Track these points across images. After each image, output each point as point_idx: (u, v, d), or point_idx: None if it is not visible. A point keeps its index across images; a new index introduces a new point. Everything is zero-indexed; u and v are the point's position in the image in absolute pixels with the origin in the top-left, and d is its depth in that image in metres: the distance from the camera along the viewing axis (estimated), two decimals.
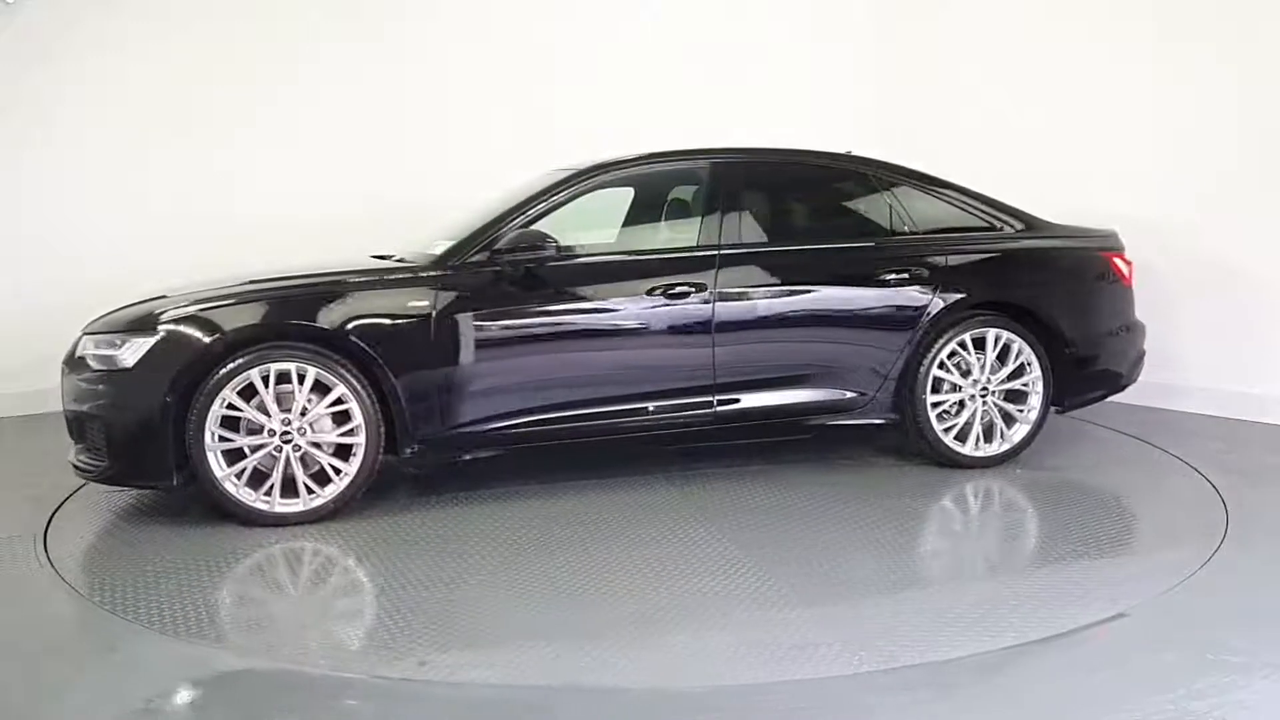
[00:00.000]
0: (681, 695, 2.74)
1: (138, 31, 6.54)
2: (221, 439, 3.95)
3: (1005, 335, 4.69)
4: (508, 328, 4.29)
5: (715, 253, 4.51)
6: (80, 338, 4.23)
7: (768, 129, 5.32)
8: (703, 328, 4.43)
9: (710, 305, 4.42)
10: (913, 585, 3.52)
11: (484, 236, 4.33)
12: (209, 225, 6.60)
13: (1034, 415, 4.75)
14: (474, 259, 4.29)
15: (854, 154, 5.04)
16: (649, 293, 4.39)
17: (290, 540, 3.97)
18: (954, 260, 4.76)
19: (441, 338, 4.16)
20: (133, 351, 3.97)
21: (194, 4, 6.67)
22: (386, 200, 6.56)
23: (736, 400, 4.52)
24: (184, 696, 2.85)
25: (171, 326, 4.00)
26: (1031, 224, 4.96)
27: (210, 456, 3.94)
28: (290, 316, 4.09)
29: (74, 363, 4.15)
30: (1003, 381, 4.71)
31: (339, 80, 6.88)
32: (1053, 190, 5.72)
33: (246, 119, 6.74)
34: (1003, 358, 4.71)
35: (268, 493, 4.02)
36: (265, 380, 3.98)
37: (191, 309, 4.05)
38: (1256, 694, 2.65)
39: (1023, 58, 6.53)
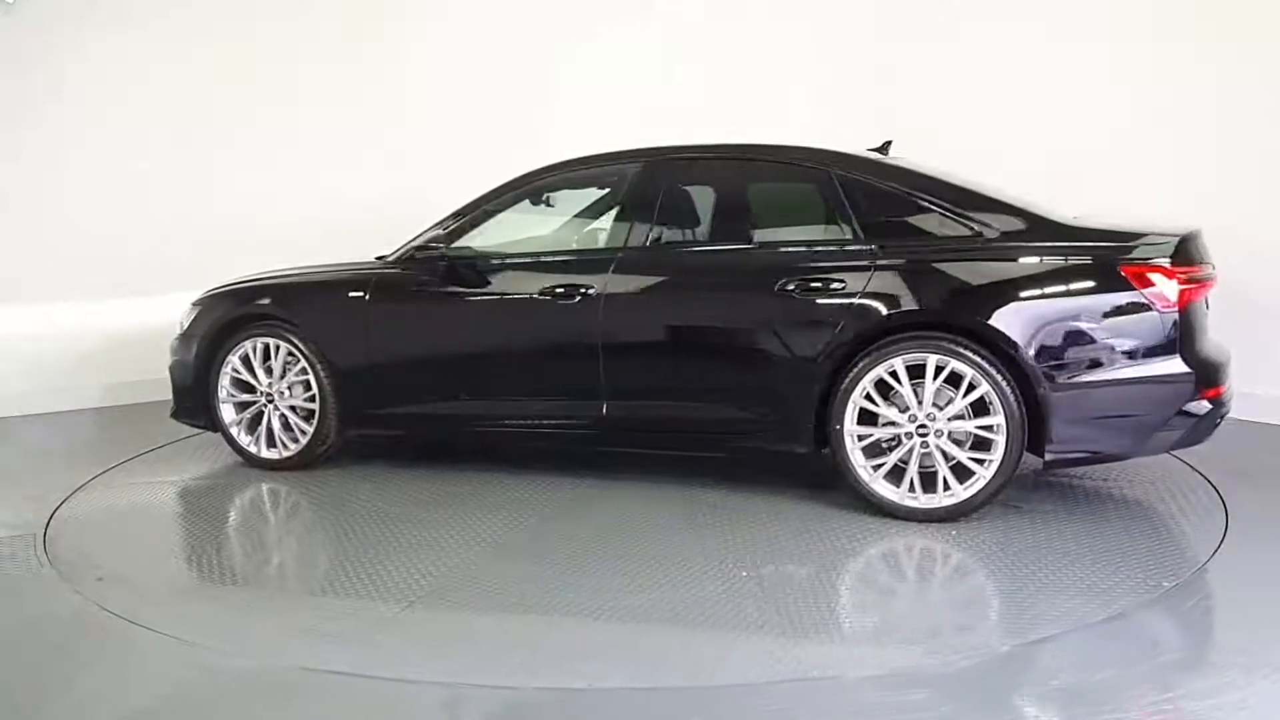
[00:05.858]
0: (677, 693, 2.74)
1: (138, 33, 6.55)
2: (230, 395, 4.91)
3: (953, 363, 3.83)
4: (407, 320, 4.72)
5: (612, 255, 4.38)
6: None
7: (771, 129, 5.26)
8: (589, 331, 4.30)
9: (598, 308, 4.28)
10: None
11: (419, 239, 4.72)
12: (209, 227, 6.61)
13: (992, 468, 3.84)
14: (395, 259, 4.76)
15: (885, 150, 4.79)
16: (539, 294, 4.39)
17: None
18: (886, 270, 3.96)
19: (367, 328, 4.69)
20: (188, 320, 5.07)
21: (195, 6, 6.68)
22: (387, 200, 6.56)
23: (625, 407, 4.34)
24: (184, 695, 2.84)
25: (203, 305, 5.05)
26: (1032, 227, 3.95)
27: (223, 408, 4.94)
28: (262, 299, 4.92)
29: (177, 326, 5.14)
30: (952, 419, 3.87)
31: (339, 80, 6.88)
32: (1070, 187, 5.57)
33: (247, 119, 6.75)
34: (962, 392, 3.87)
35: (258, 441, 4.92)
36: (256, 351, 4.86)
37: (215, 293, 5.08)
38: (1256, 694, 2.65)
39: (1026, 56, 6.53)
